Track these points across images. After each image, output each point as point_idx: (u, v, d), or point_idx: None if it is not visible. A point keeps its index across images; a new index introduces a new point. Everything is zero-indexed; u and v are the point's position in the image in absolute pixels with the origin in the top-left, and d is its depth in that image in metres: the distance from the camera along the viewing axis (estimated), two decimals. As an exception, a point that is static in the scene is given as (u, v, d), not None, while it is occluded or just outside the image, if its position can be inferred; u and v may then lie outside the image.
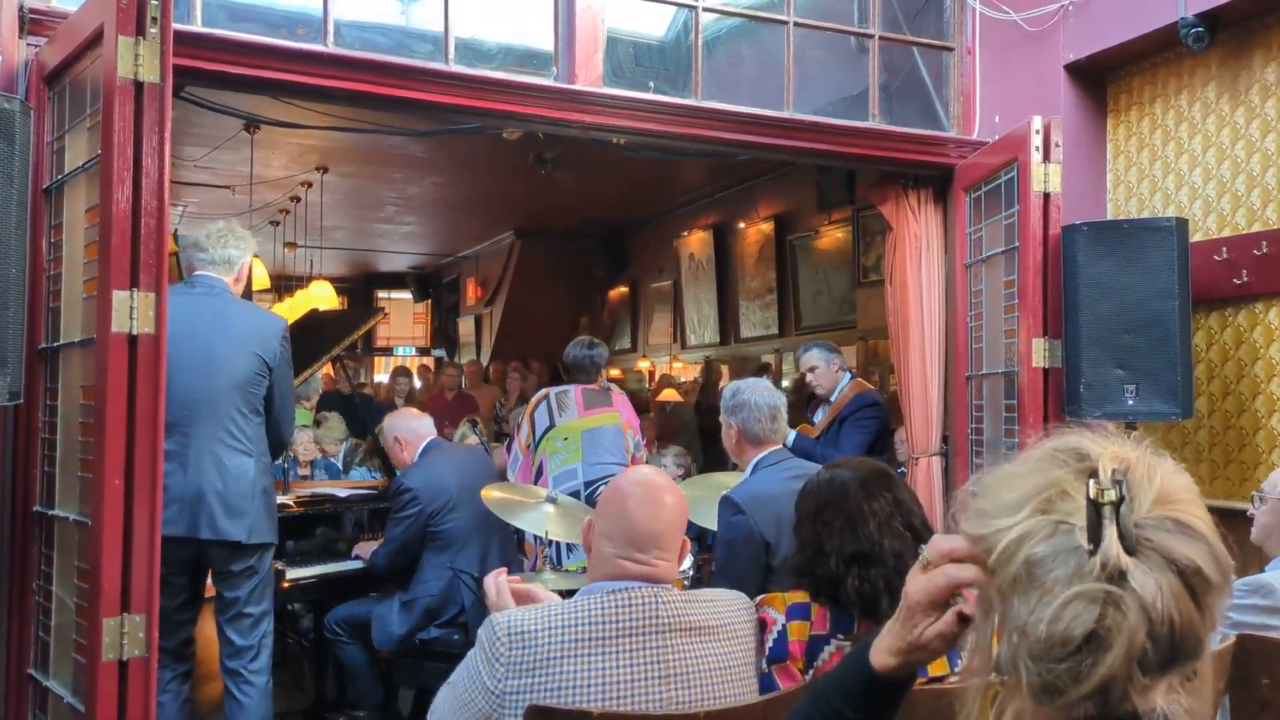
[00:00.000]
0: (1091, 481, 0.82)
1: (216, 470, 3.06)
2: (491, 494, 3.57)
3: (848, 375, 4.75)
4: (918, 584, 0.99)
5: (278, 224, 9.54)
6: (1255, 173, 3.61)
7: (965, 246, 4.12)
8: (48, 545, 2.71)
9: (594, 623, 1.70)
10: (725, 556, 2.74)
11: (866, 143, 4.11)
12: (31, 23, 2.84)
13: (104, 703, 2.36)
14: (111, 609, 2.38)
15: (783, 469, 2.89)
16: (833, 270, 7.37)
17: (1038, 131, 3.67)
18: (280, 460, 4.31)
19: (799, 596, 2.02)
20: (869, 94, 4.18)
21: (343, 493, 4.58)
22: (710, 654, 1.79)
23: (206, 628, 3.40)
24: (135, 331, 2.43)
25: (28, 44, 2.84)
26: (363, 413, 6.01)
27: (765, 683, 1.93)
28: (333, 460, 5.81)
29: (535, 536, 3.81)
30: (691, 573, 3.55)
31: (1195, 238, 3.68)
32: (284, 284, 10.36)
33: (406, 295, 13.77)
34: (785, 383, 7.09)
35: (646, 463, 4.62)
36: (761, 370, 7.55)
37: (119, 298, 2.41)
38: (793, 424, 3.98)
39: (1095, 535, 0.81)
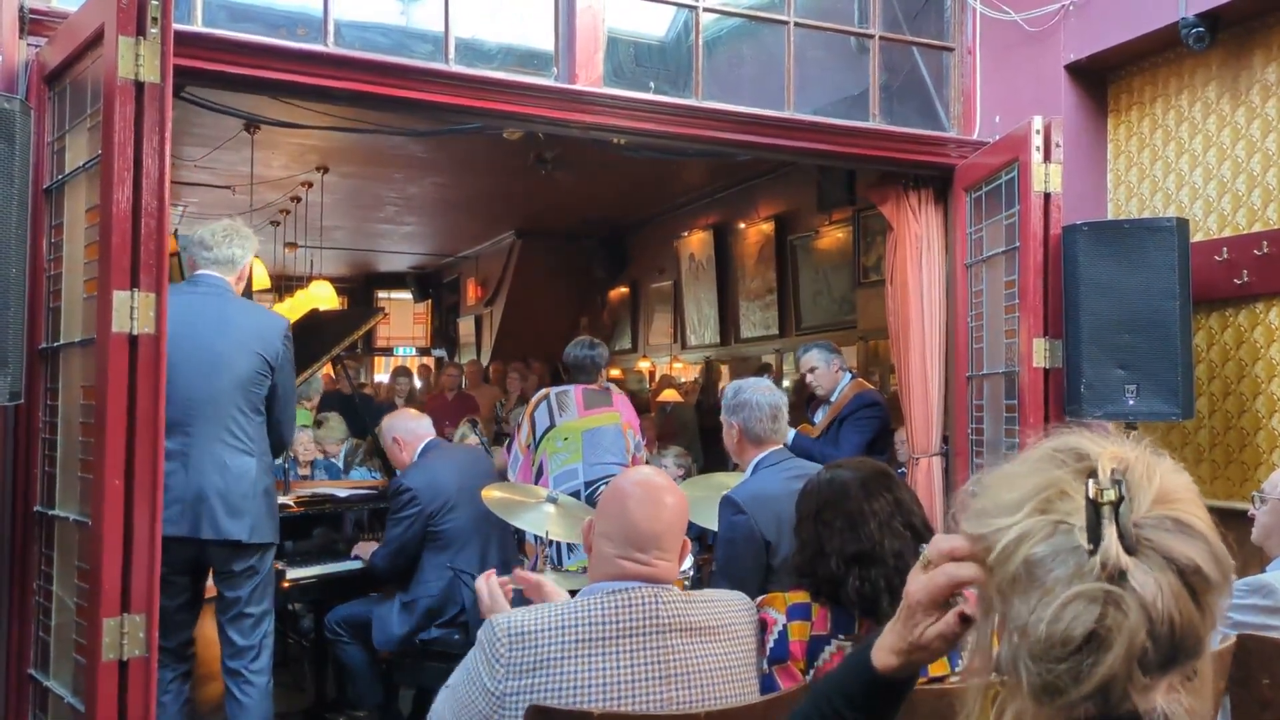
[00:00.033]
0: (1091, 481, 0.82)
1: (218, 470, 3.06)
2: (492, 494, 3.57)
3: (848, 375, 4.75)
4: (919, 583, 0.99)
5: (278, 224, 9.55)
6: (1256, 173, 3.61)
7: (966, 246, 4.12)
8: (48, 545, 2.71)
9: (594, 623, 1.70)
10: (726, 556, 2.74)
11: (867, 143, 4.11)
12: (32, 23, 2.84)
13: (104, 703, 2.36)
14: (112, 609, 2.38)
15: (783, 469, 2.89)
16: (833, 270, 7.37)
17: (1038, 131, 3.67)
18: (280, 460, 4.31)
19: (800, 597, 2.02)
20: (869, 94, 4.18)
21: (343, 493, 4.58)
22: (711, 654, 1.78)
23: (207, 628, 3.40)
24: (136, 331, 2.43)
25: (28, 44, 2.84)
26: (363, 413, 6.00)
27: (766, 683, 1.92)
28: (333, 460, 5.81)
29: (536, 537, 3.80)
30: (692, 573, 3.55)
31: (1196, 238, 3.68)
32: (284, 284, 10.36)
33: (407, 295, 13.77)
34: (786, 383, 7.09)
35: (647, 463, 4.62)
36: (762, 370, 7.55)
37: (119, 298, 2.41)
38: (793, 424, 3.97)
39: (1095, 535, 0.81)
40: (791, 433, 4.21)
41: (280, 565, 3.86)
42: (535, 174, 7.26)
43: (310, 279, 9.72)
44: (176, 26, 2.59)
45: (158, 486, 2.47)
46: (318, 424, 6.00)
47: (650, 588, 1.76)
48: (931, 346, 4.25)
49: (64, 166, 2.75)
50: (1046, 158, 3.68)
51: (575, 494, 3.96)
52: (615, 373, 9.63)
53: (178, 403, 2.96)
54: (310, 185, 8.24)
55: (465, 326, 12.17)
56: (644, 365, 9.85)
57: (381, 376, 12.73)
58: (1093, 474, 0.83)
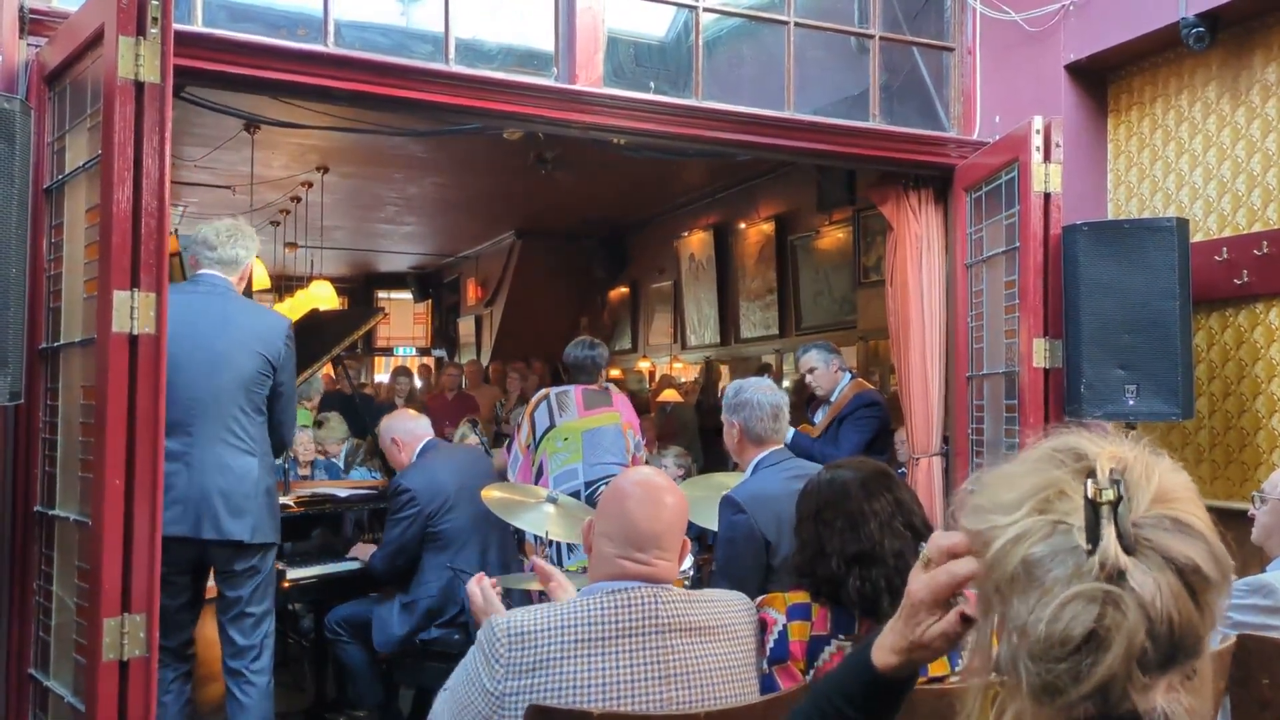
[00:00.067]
0: (1089, 481, 0.82)
1: (220, 470, 3.06)
2: (492, 494, 3.57)
3: (848, 375, 4.75)
4: (920, 582, 0.99)
5: (278, 224, 9.55)
6: (1256, 173, 3.61)
7: (966, 247, 4.12)
8: (48, 545, 2.71)
9: (594, 623, 1.70)
10: (726, 556, 2.74)
11: (867, 143, 4.11)
12: (32, 23, 2.84)
13: (104, 703, 2.36)
14: (112, 609, 2.38)
15: (784, 469, 2.89)
16: (833, 270, 7.37)
17: (1038, 132, 3.67)
18: (280, 460, 4.31)
19: (800, 597, 2.02)
20: (869, 94, 4.18)
21: (343, 493, 4.58)
22: (711, 654, 1.79)
23: (207, 628, 3.40)
24: (136, 331, 2.43)
25: (28, 44, 2.84)
26: (363, 413, 6.00)
27: (766, 683, 1.92)
28: (334, 460, 5.81)
29: (536, 537, 3.80)
30: (692, 573, 3.55)
31: (1196, 238, 3.68)
32: (284, 284, 10.37)
33: (407, 295, 13.78)
34: (786, 383, 7.09)
35: (647, 463, 4.62)
36: (762, 371, 7.55)
37: (119, 298, 2.41)
38: (793, 424, 3.98)
39: (1093, 535, 0.81)
40: (791, 432, 4.21)
41: (280, 565, 3.86)
42: (535, 174, 7.26)
43: (310, 279, 9.72)
44: (176, 26, 2.59)
45: (158, 486, 2.47)
46: (318, 424, 6.00)
47: (650, 587, 1.76)
48: (931, 346, 4.25)
49: (64, 166, 2.75)
50: (1046, 158, 3.68)
51: (575, 494, 3.96)
52: (615, 373, 9.63)
53: (180, 403, 2.96)
54: (310, 185, 8.25)
55: (465, 326, 12.17)
56: (644, 365, 9.85)
57: (382, 376, 12.74)
58: (1091, 474, 0.83)
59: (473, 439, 5.41)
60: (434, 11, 3.49)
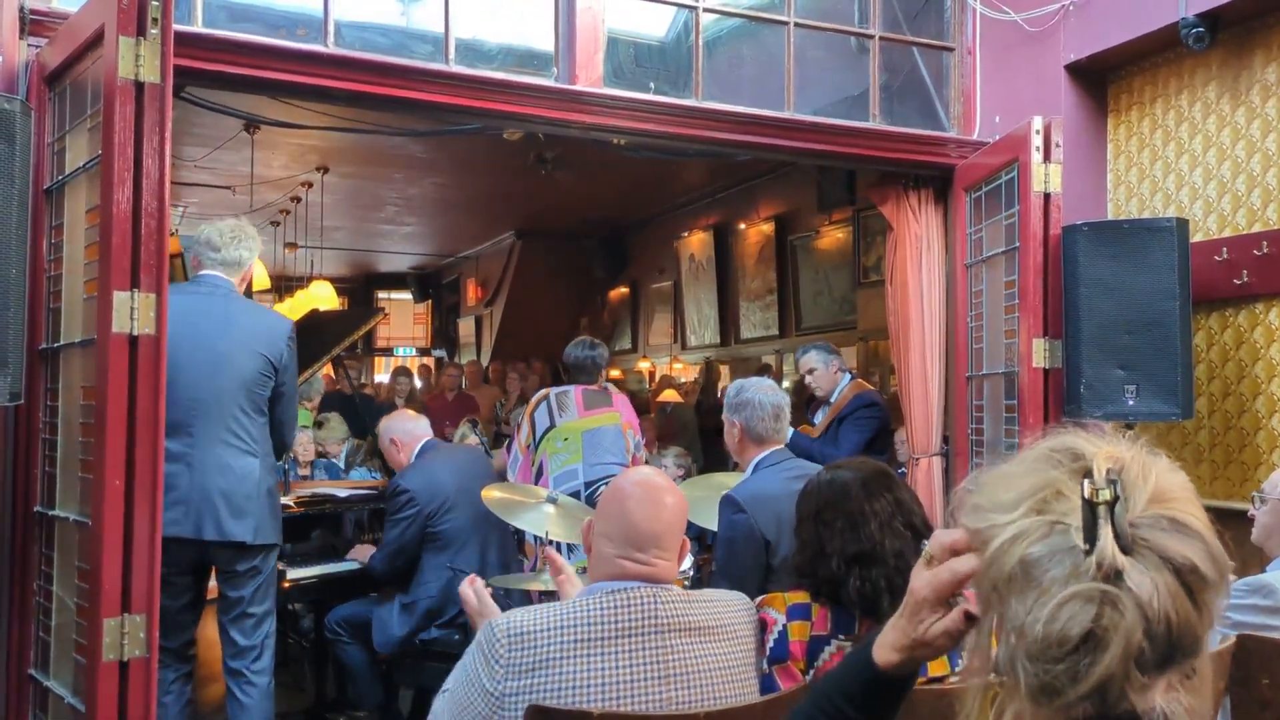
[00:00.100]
0: (1086, 481, 0.82)
1: (221, 471, 3.06)
2: (492, 494, 3.57)
3: (847, 376, 4.75)
4: (923, 579, 0.99)
5: (278, 224, 9.56)
6: (1256, 173, 3.61)
7: (966, 247, 4.12)
8: (48, 545, 2.71)
9: (594, 623, 1.70)
10: (726, 555, 2.75)
11: (867, 143, 4.11)
12: (32, 23, 2.85)
13: (104, 703, 2.36)
14: (112, 609, 2.38)
15: (784, 469, 2.89)
16: (833, 271, 7.37)
17: (1038, 132, 3.67)
18: (281, 461, 4.31)
19: (800, 597, 2.02)
20: (869, 94, 4.18)
21: (343, 493, 4.58)
22: (710, 654, 1.79)
23: (208, 629, 3.40)
24: (136, 332, 2.43)
25: (28, 45, 2.84)
26: (363, 413, 6.01)
27: (766, 683, 1.92)
28: (334, 461, 5.81)
29: (535, 537, 3.80)
30: (691, 573, 3.55)
31: (1196, 238, 3.68)
32: (284, 284, 10.37)
33: (407, 296, 13.78)
34: (786, 384, 7.09)
35: (647, 463, 4.62)
36: (762, 371, 7.55)
37: (119, 298, 2.41)
38: (793, 425, 3.98)
39: (1090, 535, 0.81)
40: (790, 432, 4.22)
41: (280, 565, 3.86)
42: (535, 174, 7.26)
43: (310, 279, 9.73)
44: (176, 27, 2.59)
45: (158, 486, 2.47)
46: (318, 424, 6.00)
47: (650, 587, 1.76)
48: (931, 347, 4.25)
49: (64, 167, 2.75)
50: (1046, 158, 3.68)
51: (575, 494, 3.96)
52: (615, 373, 9.63)
53: (181, 403, 2.96)
54: (310, 185, 8.25)
55: (465, 327, 12.17)
56: (644, 365, 9.85)
57: (382, 377, 12.74)
58: (1088, 474, 0.83)
59: (473, 439, 5.41)
60: (434, 12, 3.49)
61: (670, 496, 1.87)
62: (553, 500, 3.46)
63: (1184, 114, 3.86)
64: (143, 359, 2.44)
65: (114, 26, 2.42)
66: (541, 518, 3.39)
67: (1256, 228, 3.59)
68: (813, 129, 4.01)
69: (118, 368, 2.40)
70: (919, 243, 4.29)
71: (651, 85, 3.80)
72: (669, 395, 8.12)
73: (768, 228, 7.97)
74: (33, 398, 2.72)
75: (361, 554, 4.12)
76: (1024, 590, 0.83)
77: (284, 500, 4.09)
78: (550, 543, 3.43)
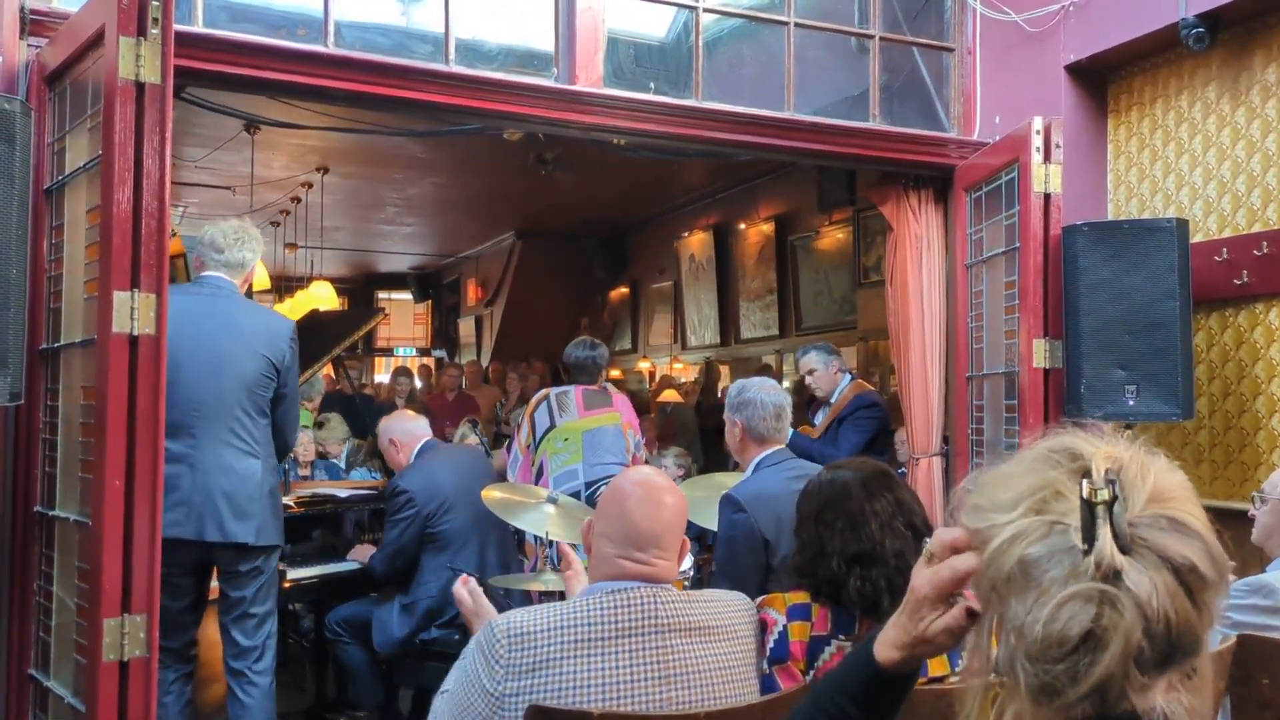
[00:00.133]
0: (1084, 481, 0.82)
1: (224, 472, 3.05)
2: (492, 494, 3.57)
3: (848, 376, 4.75)
4: (923, 577, 0.99)
5: (278, 225, 9.56)
6: (1256, 173, 3.61)
7: (966, 247, 4.12)
8: (48, 545, 2.71)
9: (594, 623, 1.70)
10: (725, 554, 2.75)
11: (867, 143, 4.11)
12: (32, 23, 2.85)
13: (104, 703, 2.36)
14: (112, 609, 2.38)
15: (785, 469, 2.89)
16: (833, 271, 7.37)
17: (1038, 132, 3.67)
18: (281, 462, 4.31)
19: (800, 597, 2.02)
20: (869, 94, 4.18)
21: (343, 493, 4.58)
22: (710, 654, 1.78)
23: (210, 630, 3.41)
24: (136, 332, 2.43)
25: (29, 45, 2.84)
26: (364, 413, 6.01)
27: (766, 683, 1.92)
28: (334, 461, 5.81)
29: (536, 537, 3.80)
30: (692, 573, 3.55)
31: (1196, 238, 3.68)
32: (284, 285, 10.37)
33: (407, 296, 13.78)
34: (786, 384, 7.09)
35: (647, 463, 4.62)
36: (762, 371, 7.55)
37: (120, 298, 2.41)
38: (793, 425, 3.98)
39: (1089, 535, 0.81)
40: (790, 432, 4.22)
41: (280, 566, 3.86)
42: (535, 174, 7.26)
43: (310, 279, 9.73)
44: (177, 27, 2.59)
45: (158, 486, 2.47)
46: (319, 425, 6.00)
47: (650, 587, 1.76)
48: (931, 347, 4.25)
49: (64, 167, 2.75)
50: (1046, 158, 3.68)
51: (576, 494, 3.96)
52: (615, 373, 9.63)
53: (183, 405, 2.96)
54: (310, 186, 8.25)
55: (465, 327, 12.17)
56: (644, 366, 9.85)
57: (382, 377, 12.75)
58: (1087, 474, 0.83)
59: (473, 439, 5.41)
60: (434, 12, 3.49)
61: (670, 496, 1.87)
62: (553, 500, 3.46)
63: (1184, 114, 3.86)
64: (143, 359, 2.44)
65: (114, 26, 2.43)
66: (542, 518, 3.38)
67: (1256, 228, 3.59)
68: (813, 129, 4.01)
69: (118, 368, 2.40)
70: (919, 243, 4.29)
71: (651, 85, 3.80)
72: (669, 395, 8.12)
73: (768, 228, 7.97)
74: (33, 398, 2.72)
75: (361, 554, 4.12)
76: (1023, 590, 0.83)
77: (284, 500, 4.09)
78: (550, 543, 3.43)
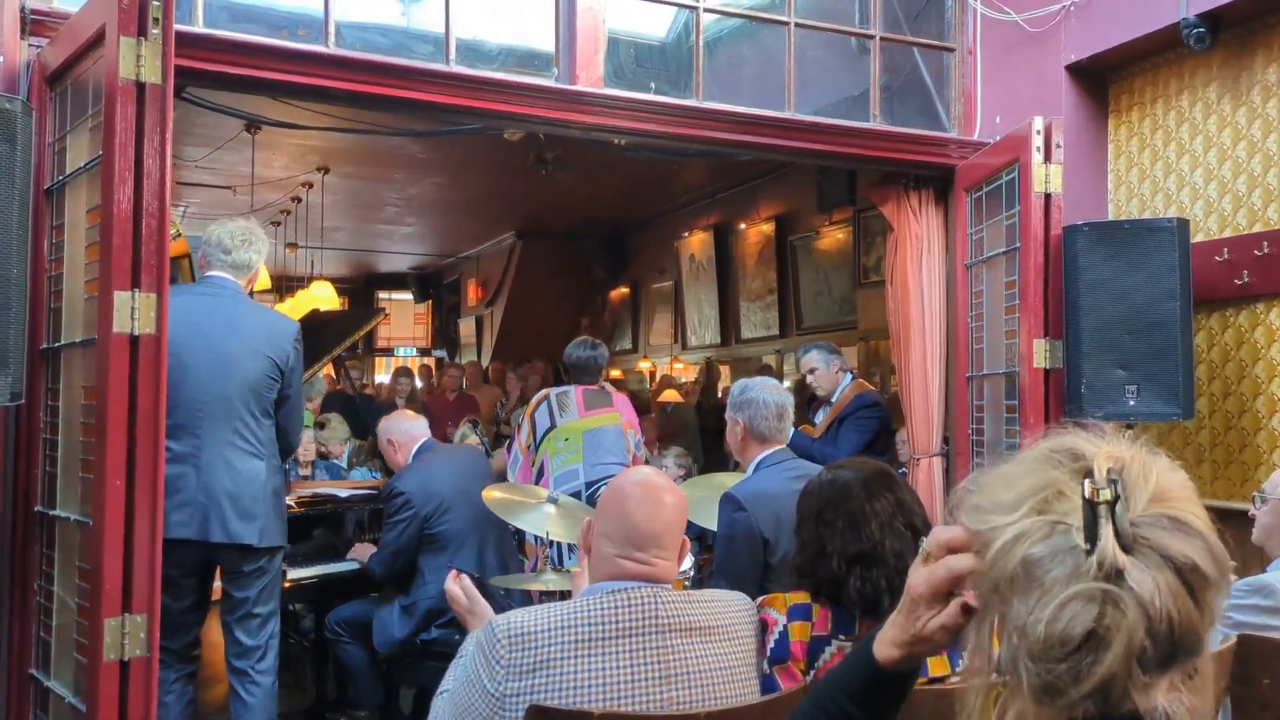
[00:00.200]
0: (1087, 481, 0.82)
1: (228, 473, 3.05)
2: (493, 494, 3.57)
3: (848, 376, 4.75)
4: (919, 576, 0.99)
5: (279, 224, 9.56)
6: (1256, 173, 3.61)
7: (966, 247, 4.12)
8: (49, 545, 2.71)
9: (594, 623, 1.70)
10: (725, 553, 2.75)
11: (867, 143, 4.11)
12: (33, 23, 2.85)
13: (105, 703, 2.36)
14: (113, 609, 2.38)
15: (785, 468, 2.89)
16: (833, 271, 7.37)
17: (1039, 132, 3.67)
18: (285, 462, 4.31)
19: (800, 597, 2.02)
20: (870, 94, 4.18)
21: (343, 493, 4.58)
22: (711, 654, 1.78)
23: (212, 630, 3.41)
24: (136, 332, 2.43)
25: (29, 45, 2.84)
26: (364, 413, 6.01)
27: (767, 683, 1.92)
28: (335, 461, 5.82)
29: (536, 537, 3.80)
30: (692, 573, 3.55)
31: (1196, 238, 3.68)
32: (285, 284, 10.38)
33: (407, 296, 13.78)
34: (786, 383, 7.09)
35: (647, 463, 4.62)
36: (763, 371, 7.55)
37: (120, 298, 2.41)
38: (794, 425, 3.98)
39: (1092, 535, 0.81)
40: (791, 431, 4.22)
41: (281, 565, 3.86)
42: (535, 174, 7.26)
43: (311, 279, 9.74)
44: (177, 27, 2.59)
45: (158, 486, 2.47)
46: (320, 425, 6.01)
47: (650, 587, 1.76)
48: (932, 347, 4.25)
49: (65, 167, 2.75)
50: (1047, 158, 3.68)
51: (576, 494, 3.96)
52: (616, 373, 9.63)
53: (187, 405, 2.97)
54: (311, 186, 8.25)
55: (466, 327, 12.17)
56: (644, 366, 9.86)
57: (382, 377, 12.75)
58: (1089, 474, 0.83)
59: (473, 439, 5.41)
60: (434, 12, 3.49)
61: (670, 496, 1.87)
62: (553, 500, 3.46)
63: (1185, 114, 3.86)
64: (143, 359, 2.44)
65: (115, 27, 2.42)
66: (542, 518, 3.38)
67: (1257, 228, 3.59)
68: (813, 129, 4.01)
69: (118, 368, 2.40)
70: (919, 243, 4.29)
71: (652, 85, 3.80)
72: (669, 395, 8.12)
73: (768, 228, 7.97)
74: (33, 398, 2.72)
75: (362, 553, 4.12)
76: (1026, 590, 0.83)
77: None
78: (550, 543, 3.43)
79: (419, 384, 10.03)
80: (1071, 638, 0.80)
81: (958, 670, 1.88)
